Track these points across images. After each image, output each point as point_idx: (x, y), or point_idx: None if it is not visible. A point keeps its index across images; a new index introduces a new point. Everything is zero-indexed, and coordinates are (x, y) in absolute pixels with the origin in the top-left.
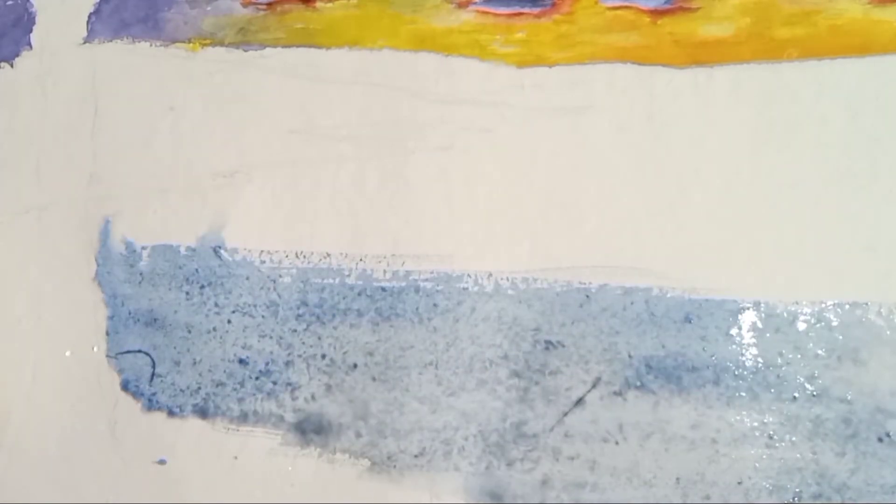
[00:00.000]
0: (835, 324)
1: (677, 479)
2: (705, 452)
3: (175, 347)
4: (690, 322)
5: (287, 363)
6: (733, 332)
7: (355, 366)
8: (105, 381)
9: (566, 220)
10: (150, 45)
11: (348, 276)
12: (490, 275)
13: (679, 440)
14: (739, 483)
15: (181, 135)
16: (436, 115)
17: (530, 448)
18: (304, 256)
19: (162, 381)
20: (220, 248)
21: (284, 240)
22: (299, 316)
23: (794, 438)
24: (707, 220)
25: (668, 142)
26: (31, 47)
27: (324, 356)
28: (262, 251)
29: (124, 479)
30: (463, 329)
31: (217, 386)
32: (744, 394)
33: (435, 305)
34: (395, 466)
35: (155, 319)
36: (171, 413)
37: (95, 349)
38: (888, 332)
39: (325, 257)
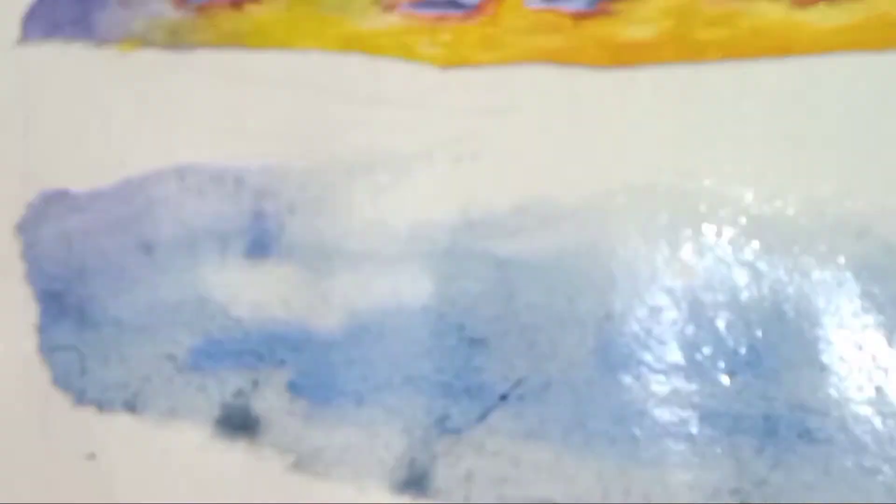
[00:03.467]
0: (755, 320)
1: (598, 474)
2: (626, 448)
3: (105, 343)
4: (612, 319)
5: (216, 359)
6: (654, 328)
7: (283, 362)
8: (36, 376)
9: (490, 220)
10: (83, 46)
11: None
12: (414, 273)
13: (601, 436)
14: (661, 479)
15: (113, 135)
16: (363, 116)
17: (454, 443)
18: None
19: (91, 376)
20: (150, 245)
21: (213, 238)
22: (228, 312)
23: (714, 434)
24: (630, 220)
25: (591, 142)
26: None
27: (252, 351)
28: (191, 249)
29: (54, 475)
30: (389, 325)
31: (145, 381)
32: (666, 389)
33: (362, 301)
34: (321, 461)
35: (87, 316)
36: (100, 408)
37: (29, 345)
38: (806, 327)
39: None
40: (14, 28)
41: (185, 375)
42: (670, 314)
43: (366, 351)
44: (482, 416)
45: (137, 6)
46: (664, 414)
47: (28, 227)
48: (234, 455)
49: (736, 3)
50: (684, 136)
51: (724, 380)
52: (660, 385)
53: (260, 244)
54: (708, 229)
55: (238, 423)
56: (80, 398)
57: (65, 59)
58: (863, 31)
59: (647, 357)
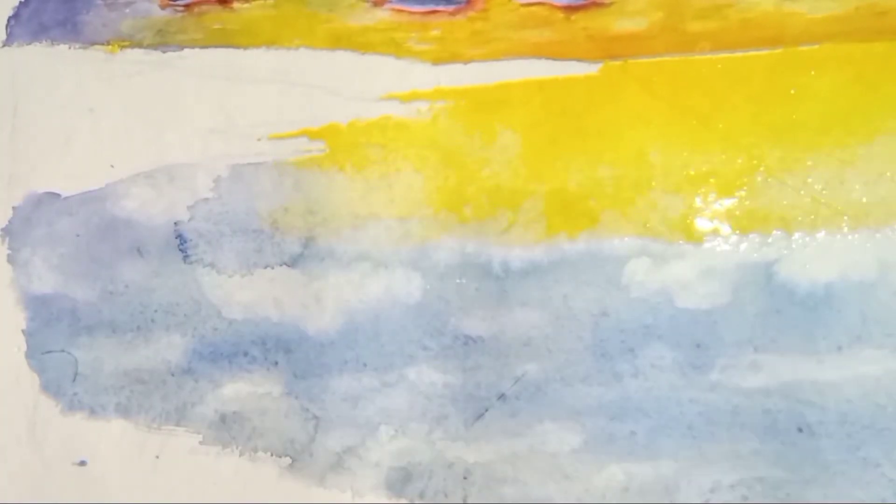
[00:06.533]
0: (752, 312)
1: (597, 472)
2: (624, 445)
3: (97, 347)
4: (608, 316)
5: (209, 361)
6: (648, 321)
7: (276, 363)
8: (24, 382)
9: (481, 213)
10: (69, 48)
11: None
12: (408, 272)
13: (598, 432)
14: (659, 475)
15: (101, 136)
16: (352, 113)
17: (451, 443)
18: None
19: (85, 380)
20: (142, 248)
21: (205, 239)
22: (221, 314)
23: (713, 430)
24: (618, 211)
25: (583, 133)
26: None
27: (245, 353)
28: (184, 250)
29: (44, 482)
30: (384, 325)
31: (138, 385)
32: (664, 385)
33: (356, 301)
34: (316, 464)
35: (79, 319)
36: (92, 412)
37: (17, 350)
38: (805, 318)
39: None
40: (0, 31)
41: (179, 378)
42: (668, 310)
43: (360, 351)
44: (480, 416)
45: (124, 7)
46: (662, 409)
47: (15, 231)
48: (229, 459)
49: None
50: (675, 127)
51: (722, 373)
52: (658, 380)
53: (252, 244)
54: (701, 219)
55: (232, 426)
56: (71, 404)
57: (52, 60)
58: (854, 20)
59: (646, 352)
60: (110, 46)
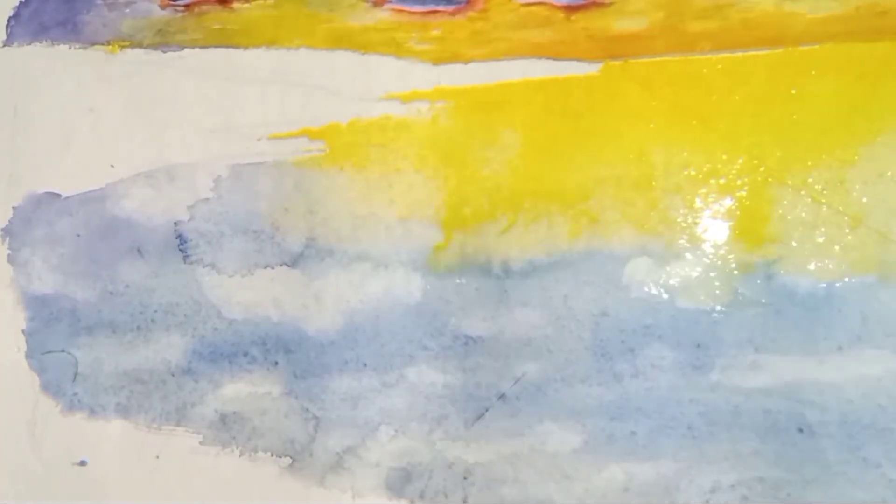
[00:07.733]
0: (752, 312)
1: (597, 472)
2: (625, 445)
3: (97, 347)
4: (608, 316)
5: (209, 361)
6: (648, 321)
7: (276, 363)
8: (24, 382)
9: (481, 213)
10: (69, 48)
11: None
12: (409, 270)
13: (599, 433)
14: (659, 475)
15: (101, 136)
16: (352, 112)
17: (451, 443)
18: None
19: (85, 380)
20: (142, 248)
21: (205, 239)
22: (221, 314)
23: (713, 430)
24: (618, 211)
25: (583, 133)
26: None
27: (245, 353)
28: (184, 250)
29: (44, 482)
30: (384, 325)
31: (140, 384)
32: (664, 385)
33: (356, 301)
34: (316, 464)
35: (79, 319)
36: (92, 412)
37: (17, 350)
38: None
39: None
40: (0, 31)
41: (179, 378)
42: (667, 310)
43: (360, 351)
44: (480, 416)
45: (124, 7)
46: (662, 409)
47: (15, 231)
48: (229, 459)
49: None
50: (676, 126)
51: (722, 374)
52: (658, 380)
53: (253, 244)
54: (701, 219)
55: (232, 426)
56: (71, 404)
57: (52, 60)
58: (854, 20)
59: (645, 352)
60: (110, 46)
